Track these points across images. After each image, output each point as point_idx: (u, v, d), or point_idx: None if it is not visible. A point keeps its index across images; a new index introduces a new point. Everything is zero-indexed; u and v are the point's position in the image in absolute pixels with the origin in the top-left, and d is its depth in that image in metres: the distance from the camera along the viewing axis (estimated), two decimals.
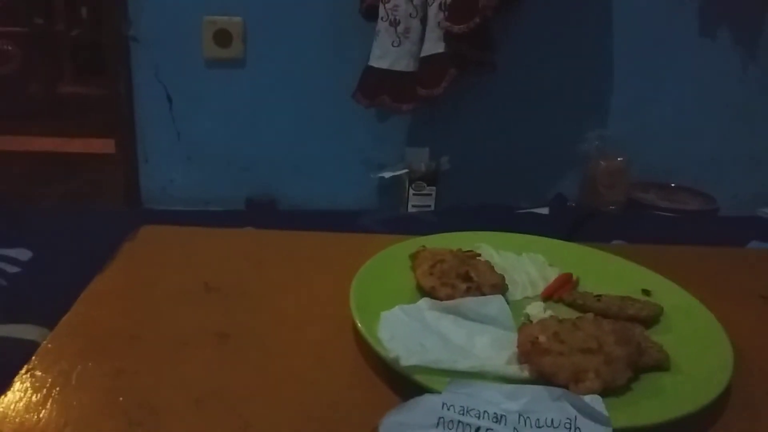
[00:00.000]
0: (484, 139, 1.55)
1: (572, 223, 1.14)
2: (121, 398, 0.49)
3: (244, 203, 1.54)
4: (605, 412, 0.45)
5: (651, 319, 0.60)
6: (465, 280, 0.62)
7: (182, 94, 1.51)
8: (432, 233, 0.75)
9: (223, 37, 1.47)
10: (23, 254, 0.84)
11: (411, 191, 1.46)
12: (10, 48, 3.07)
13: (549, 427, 0.45)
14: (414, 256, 0.67)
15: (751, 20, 1.49)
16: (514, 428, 0.45)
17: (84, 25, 3.57)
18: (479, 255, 0.68)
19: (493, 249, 0.72)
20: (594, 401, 0.46)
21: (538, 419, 0.45)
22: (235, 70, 1.50)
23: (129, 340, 0.57)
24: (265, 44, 1.48)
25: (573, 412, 0.46)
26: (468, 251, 0.68)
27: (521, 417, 0.46)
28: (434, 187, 1.46)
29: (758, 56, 1.51)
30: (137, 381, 0.51)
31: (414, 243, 0.70)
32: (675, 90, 1.53)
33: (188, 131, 1.54)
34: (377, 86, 1.39)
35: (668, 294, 0.64)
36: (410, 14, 1.33)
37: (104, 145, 1.63)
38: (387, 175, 1.50)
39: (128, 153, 1.56)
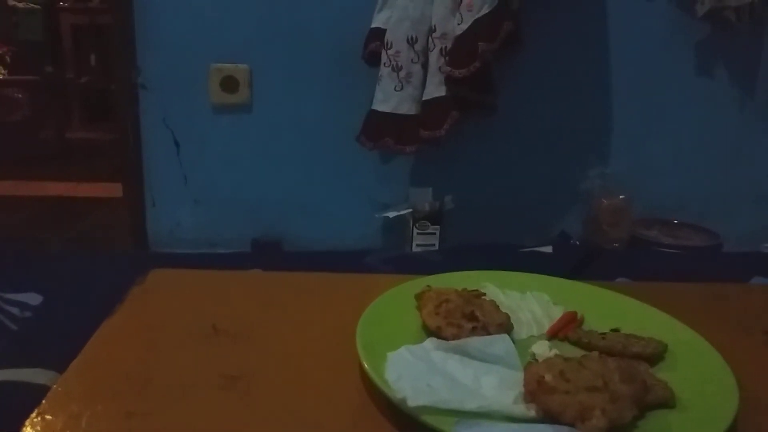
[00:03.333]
0: (487, 178, 1.56)
1: (576, 262, 1.15)
2: None
3: (251, 245, 1.55)
4: None
5: (655, 356, 0.60)
6: (471, 320, 0.63)
7: (189, 138, 1.54)
8: (437, 272, 0.76)
9: (229, 84, 1.51)
10: (34, 299, 0.85)
11: (415, 230, 1.47)
12: (20, 96, 3.14)
13: None
14: (419, 296, 0.68)
15: (748, 56, 1.52)
16: None
17: (93, 73, 3.66)
18: (484, 294, 0.69)
19: (498, 288, 0.73)
20: None
21: None
22: (242, 115, 1.53)
23: (138, 383, 0.57)
24: (271, 90, 1.52)
25: None
26: (473, 291, 0.69)
27: None
28: (438, 227, 1.47)
29: (756, 91, 1.53)
30: (147, 424, 0.51)
31: (419, 283, 0.71)
32: (675, 127, 1.55)
33: (195, 175, 1.56)
34: (380, 129, 1.42)
35: (672, 331, 0.64)
36: (412, 60, 1.37)
37: (112, 190, 1.65)
38: (391, 214, 1.51)
39: (136, 197, 1.58)
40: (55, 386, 0.56)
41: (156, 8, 1.47)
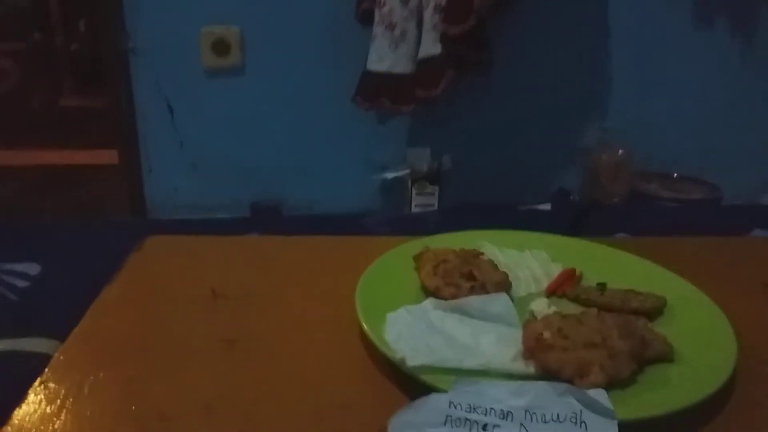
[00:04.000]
0: (485, 137, 1.55)
1: (575, 218, 1.15)
2: (133, 406, 0.49)
3: (249, 208, 1.55)
4: (610, 406, 0.46)
5: (654, 311, 0.60)
6: (469, 279, 0.63)
7: (183, 103, 1.53)
8: (435, 233, 0.76)
9: (221, 47, 1.48)
10: (32, 268, 0.85)
11: (414, 191, 1.47)
12: (9, 64, 3.10)
13: (555, 422, 0.46)
14: (418, 257, 0.68)
15: (748, 9, 1.49)
16: (521, 424, 0.45)
17: (83, 38, 3.60)
18: (482, 254, 0.69)
19: (496, 247, 0.73)
20: (599, 395, 0.47)
21: (544, 415, 0.46)
22: (235, 78, 1.51)
23: (139, 348, 0.58)
24: (263, 52, 1.49)
25: (578, 406, 0.46)
26: (471, 250, 0.69)
27: (527, 413, 0.46)
28: (437, 187, 1.47)
29: (756, 45, 1.51)
30: (148, 389, 0.52)
31: (417, 244, 0.71)
32: (674, 81, 1.53)
33: (190, 140, 1.55)
34: (376, 89, 1.40)
35: (671, 285, 0.64)
36: (405, 17, 1.34)
37: (108, 157, 1.64)
38: (389, 176, 1.51)
39: (132, 163, 1.57)
40: (56, 354, 0.56)
41: None
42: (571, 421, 0.46)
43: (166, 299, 0.66)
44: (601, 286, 0.64)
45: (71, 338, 0.59)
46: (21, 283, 0.81)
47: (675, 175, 1.53)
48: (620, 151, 1.45)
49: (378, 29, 1.37)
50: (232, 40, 1.48)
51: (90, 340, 0.59)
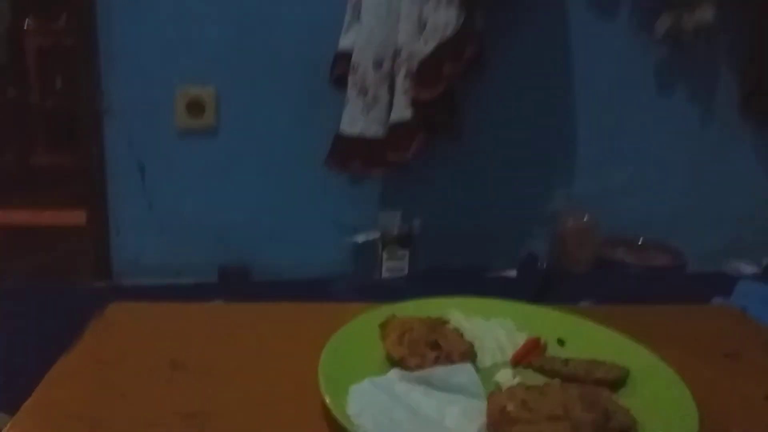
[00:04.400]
0: (455, 201, 1.57)
1: (541, 285, 1.16)
2: None
3: (217, 272, 1.53)
4: None
5: (618, 381, 0.60)
6: (434, 349, 0.62)
7: (155, 164, 1.53)
8: (403, 299, 0.75)
9: (195, 107, 1.50)
10: None
11: (384, 255, 1.47)
12: None
13: None
14: (383, 326, 0.67)
15: (707, 78, 1.56)
16: None
17: (58, 96, 3.60)
18: (448, 322, 0.69)
19: (463, 315, 0.72)
20: None
21: None
22: (208, 139, 1.52)
23: (92, 423, 0.55)
24: (237, 113, 1.51)
25: None
26: (437, 318, 0.68)
27: None
28: (407, 251, 1.47)
29: (715, 113, 1.58)
30: None
31: (384, 311, 0.70)
32: (638, 147, 1.58)
33: (160, 201, 1.54)
34: (348, 152, 1.42)
35: (634, 355, 0.64)
36: (378, 82, 1.38)
37: (76, 217, 1.62)
38: (360, 239, 1.51)
39: (99, 225, 1.55)
40: (5, 429, 0.54)
41: (121, 31, 1.46)
42: None
43: (124, 370, 0.64)
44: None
45: (22, 412, 0.56)
46: None
47: (640, 241, 1.56)
48: (586, 218, 1.48)
49: (351, 93, 1.40)
50: (207, 100, 1.50)
51: (41, 413, 0.57)
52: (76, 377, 0.63)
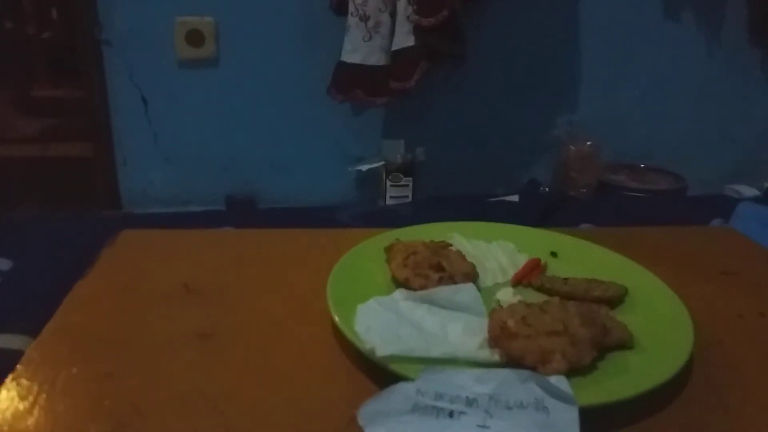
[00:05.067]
0: (458, 128, 1.57)
1: (542, 210, 1.17)
2: (106, 401, 0.50)
3: (224, 201, 1.54)
4: (570, 392, 0.47)
5: (616, 299, 0.63)
6: (437, 270, 0.64)
7: (157, 95, 1.51)
8: (407, 225, 0.77)
9: (195, 38, 1.47)
10: (4, 264, 0.84)
11: (388, 183, 1.48)
12: None
13: (518, 408, 0.47)
14: (388, 249, 0.69)
15: (715, 2, 1.52)
16: (486, 411, 0.47)
17: (55, 27, 3.53)
18: (451, 245, 0.70)
19: (465, 238, 0.74)
20: (559, 381, 0.48)
21: (507, 401, 0.48)
22: (209, 70, 1.50)
23: (112, 343, 0.58)
24: (237, 43, 1.49)
25: (540, 392, 0.48)
26: (440, 242, 0.70)
27: (492, 399, 0.48)
28: (411, 178, 1.48)
29: (722, 37, 1.54)
30: (122, 383, 0.52)
31: (388, 236, 0.72)
32: (642, 73, 1.56)
33: (165, 132, 1.54)
34: (350, 81, 1.40)
35: (632, 275, 0.66)
36: (379, 9, 1.35)
37: (82, 149, 1.63)
38: (364, 168, 1.51)
39: (106, 156, 1.56)
40: (29, 350, 0.56)
41: None
42: (533, 408, 0.47)
43: (140, 294, 0.67)
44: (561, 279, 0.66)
45: (44, 334, 0.59)
46: None
47: (642, 166, 1.56)
48: (589, 143, 1.47)
49: (352, 20, 1.37)
50: (206, 30, 1.47)
51: (63, 335, 0.59)
52: (93, 301, 0.65)
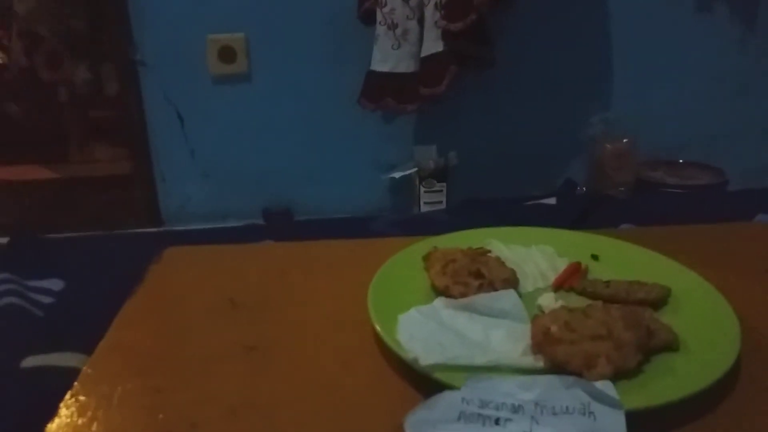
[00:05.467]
0: (490, 131, 1.57)
1: (580, 211, 1.16)
2: (161, 415, 0.52)
3: (261, 214, 1.57)
4: (617, 396, 0.47)
5: (659, 301, 0.62)
6: (477, 277, 0.65)
7: (192, 112, 1.55)
8: (443, 232, 0.77)
9: (227, 54, 1.50)
10: (56, 284, 0.88)
11: (422, 189, 1.48)
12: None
13: (564, 413, 0.47)
14: (427, 258, 0.70)
15: None
16: (532, 417, 0.47)
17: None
18: (489, 251, 0.70)
19: (503, 244, 0.74)
20: (605, 386, 0.48)
21: (553, 407, 0.48)
22: (242, 85, 1.53)
23: (163, 358, 0.60)
24: (268, 57, 1.52)
25: (586, 398, 0.48)
26: (478, 248, 0.70)
27: (537, 406, 0.48)
28: (444, 183, 1.48)
29: (756, 27, 1.51)
30: (174, 397, 0.54)
31: (426, 244, 0.73)
32: (675, 67, 1.53)
33: (201, 148, 1.58)
34: (381, 89, 1.42)
35: (675, 275, 0.66)
36: (407, 16, 1.36)
37: (122, 168, 1.68)
38: (397, 175, 1.52)
39: (145, 174, 1.60)
40: (85, 368, 0.58)
41: None
42: (579, 413, 0.47)
43: (187, 309, 0.69)
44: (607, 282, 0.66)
45: (98, 351, 0.61)
46: (46, 300, 0.84)
47: (680, 161, 1.53)
48: (624, 140, 1.45)
49: (380, 29, 1.38)
50: (238, 46, 1.50)
51: (116, 352, 0.61)
52: (143, 318, 0.68)
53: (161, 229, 1.58)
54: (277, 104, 1.54)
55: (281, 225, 1.48)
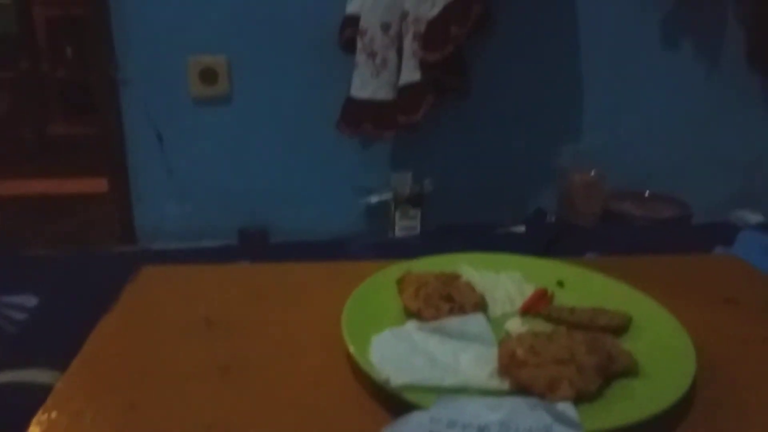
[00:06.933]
0: (465, 160, 1.60)
1: (549, 239, 1.19)
2: None
3: (237, 235, 1.58)
4: (577, 419, 0.49)
5: (621, 328, 0.65)
6: (448, 301, 0.67)
7: (172, 131, 1.56)
8: (417, 257, 0.79)
9: (209, 75, 1.52)
10: (29, 300, 0.87)
11: (397, 214, 1.51)
12: None
13: None
14: (400, 281, 0.71)
15: (713, 30, 1.56)
16: None
17: (69, 66, 3.62)
18: (461, 276, 0.73)
19: (474, 269, 0.76)
20: (567, 408, 0.50)
21: (518, 428, 0.49)
22: (222, 107, 1.55)
23: (137, 376, 0.60)
24: (249, 80, 1.53)
25: (549, 419, 0.50)
26: (450, 273, 0.73)
27: (503, 426, 0.50)
28: (419, 210, 1.51)
29: (720, 63, 1.57)
30: (148, 415, 0.54)
31: (399, 268, 0.75)
32: (644, 101, 1.59)
33: (179, 168, 1.58)
34: (359, 115, 1.44)
35: (637, 303, 0.68)
36: (386, 45, 1.39)
37: (97, 185, 1.67)
38: (374, 200, 1.54)
39: (121, 192, 1.60)
40: (58, 384, 0.58)
41: (132, 0, 1.48)
42: None
43: (162, 328, 0.69)
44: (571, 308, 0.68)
45: (71, 368, 0.61)
46: (19, 316, 0.84)
47: (647, 193, 1.58)
48: (593, 172, 1.50)
49: (360, 57, 1.42)
50: (220, 68, 1.52)
51: (90, 369, 0.62)
52: (118, 336, 0.68)
53: (136, 248, 1.57)
54: (256, 127, 1.56)
55: (257, 246, 1.48)
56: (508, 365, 0.56)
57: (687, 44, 1.56)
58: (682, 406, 0.54)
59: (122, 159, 1.58)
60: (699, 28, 1.54)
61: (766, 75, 1.56)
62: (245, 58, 1.52)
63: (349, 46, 1.45)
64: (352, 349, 0.59)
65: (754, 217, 1.52)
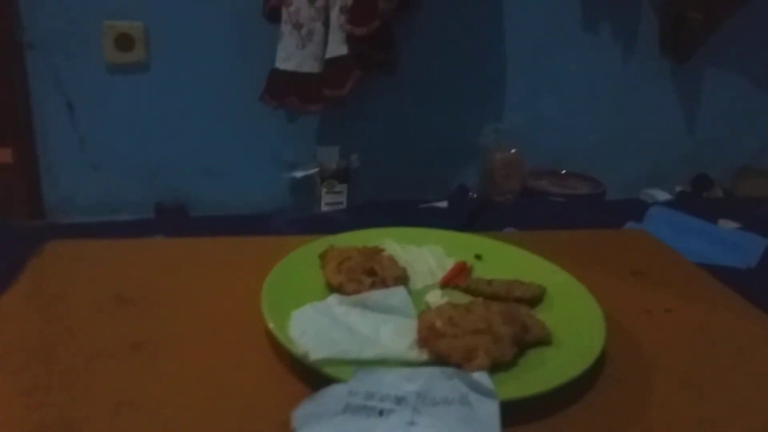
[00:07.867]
0: (391, 136, 1.60)
1: (469, 215, 1.22)
2: (35, 415, 0.49)
3: (154, 209, 1.52)
4: (492, 387, 0.51)
5: (536, 299, 0.67)
6: (370, 275, 0.67)
7: (84, 100, 1.48)
8: (341, 232, 0.79)
9: (124, 42, 1.45)
10: None
11: (323, 190, 1.49)
12: None
13: (444, 403, 0.50)
14: (322, 255, 0.71)
15: (629, 15, 1.62)
16: (413, 407, 0.50)
17: None
18: (383, 250, 0.73)
19: (397, 243, 0.77)
20: (482, 377, 0.52)
21: (434, 397, 0.50)
22: (139, 75, 1.48)
23: (41, 356, 0.57)
24: (168, 48, 1.47)
25: (465, 388, 0.51)
26: (373, 247, 0.73)
27: (419, 397, 0.50)
28: (345, 185, 1.50)
29: (635, 48, 1.64)
30: (52, 396, 0.52)
31: (323, 243, 0.74)
32: (562, 83, 1.64)
33: (92, 138, 1.50)
34: (284, 87, 1.41)
35: (551, 275, 0.71)
36: (312, 17, 1.36)
37: (1, 155, 1.57)
38: (299, 174, 1.52)
39: (28, 162, 1.50)
40: None
41: None
42: (458, 402, 0.50)
43: (69, 306, 0.66)
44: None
45: None
46: None
47: (563, 171, 1.64)
48: (513, 150, 1.54)
49: (285, 28, 1.38)
50: (136, 35, 1.45)
51: None
52: (20, 313, 0.64)
53: (44, 222, 1.49)
54: (175, 96, 1.50)
55: (175, 221, 1.43)
56: (427, 337, 0.56)
57: (605, 30, 1.61)
58: (593, 373, 0.56)
59: (29, 127, 1.48)
60: (617, 13, 1.60)
61: (675, 62, 1.64)
62: (163, 24, 1.45)
63: (273, 16, 1.41)
64: (271, 324, 0.58)
65: (663, 195, 1.61)
